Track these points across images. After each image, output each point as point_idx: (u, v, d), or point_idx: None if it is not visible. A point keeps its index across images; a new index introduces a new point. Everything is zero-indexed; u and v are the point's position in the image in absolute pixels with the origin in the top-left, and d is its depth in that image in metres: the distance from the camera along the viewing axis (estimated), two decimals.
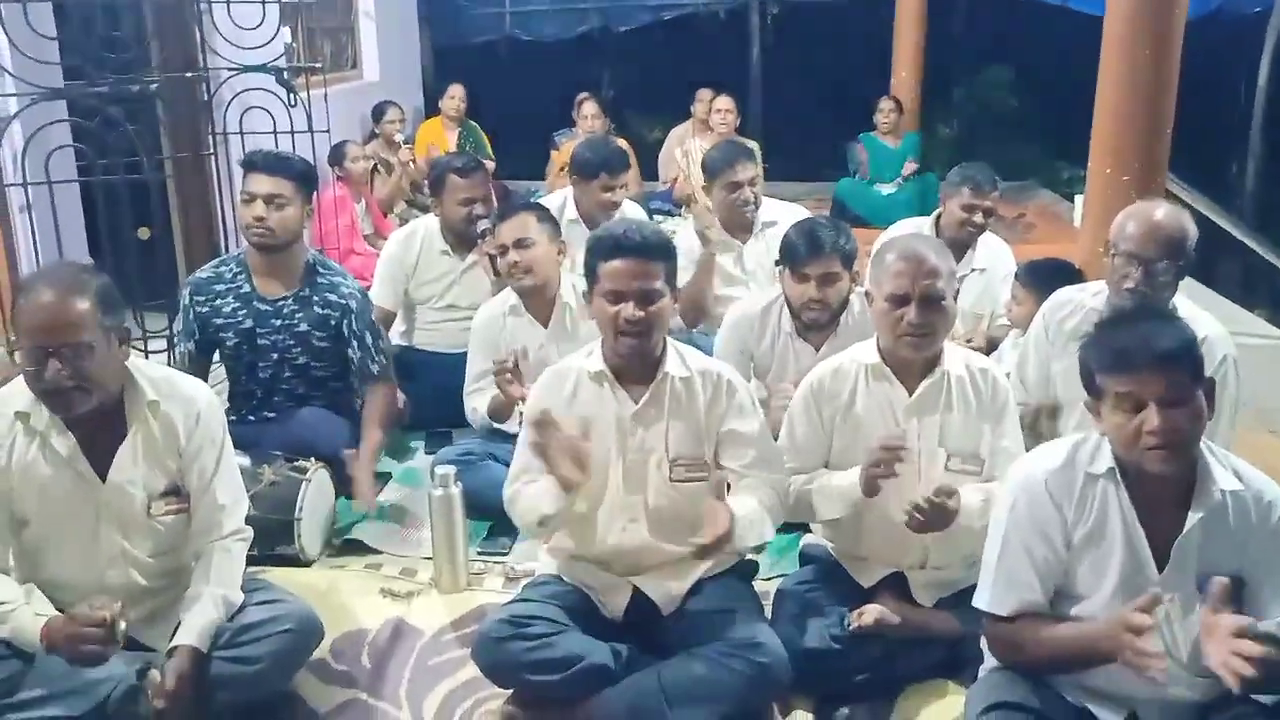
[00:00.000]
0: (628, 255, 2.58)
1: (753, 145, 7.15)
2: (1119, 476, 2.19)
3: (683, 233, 4.66)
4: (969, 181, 4.32)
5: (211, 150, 5.32)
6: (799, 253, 3.42)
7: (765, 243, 4.37)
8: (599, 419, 2.68)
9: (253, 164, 3.53)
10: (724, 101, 7.28)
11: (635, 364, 2.66)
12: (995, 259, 4.44)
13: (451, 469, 3.17)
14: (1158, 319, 2.18)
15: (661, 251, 2.62)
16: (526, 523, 2.68)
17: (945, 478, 2.69)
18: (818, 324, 3.49)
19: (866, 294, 2.81)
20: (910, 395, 2.73)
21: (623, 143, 6.05)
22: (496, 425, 3.65)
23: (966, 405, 2.73)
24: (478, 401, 3.69)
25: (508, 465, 3.44)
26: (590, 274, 2.65)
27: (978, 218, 4.29)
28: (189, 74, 5.17)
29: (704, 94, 8.09)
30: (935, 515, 2.56)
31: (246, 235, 3.55)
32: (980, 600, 2.32)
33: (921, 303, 2.63)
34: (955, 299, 2.71)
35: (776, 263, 3.57)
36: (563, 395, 2.71)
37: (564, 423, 2.56)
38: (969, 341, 4.21)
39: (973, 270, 4.36)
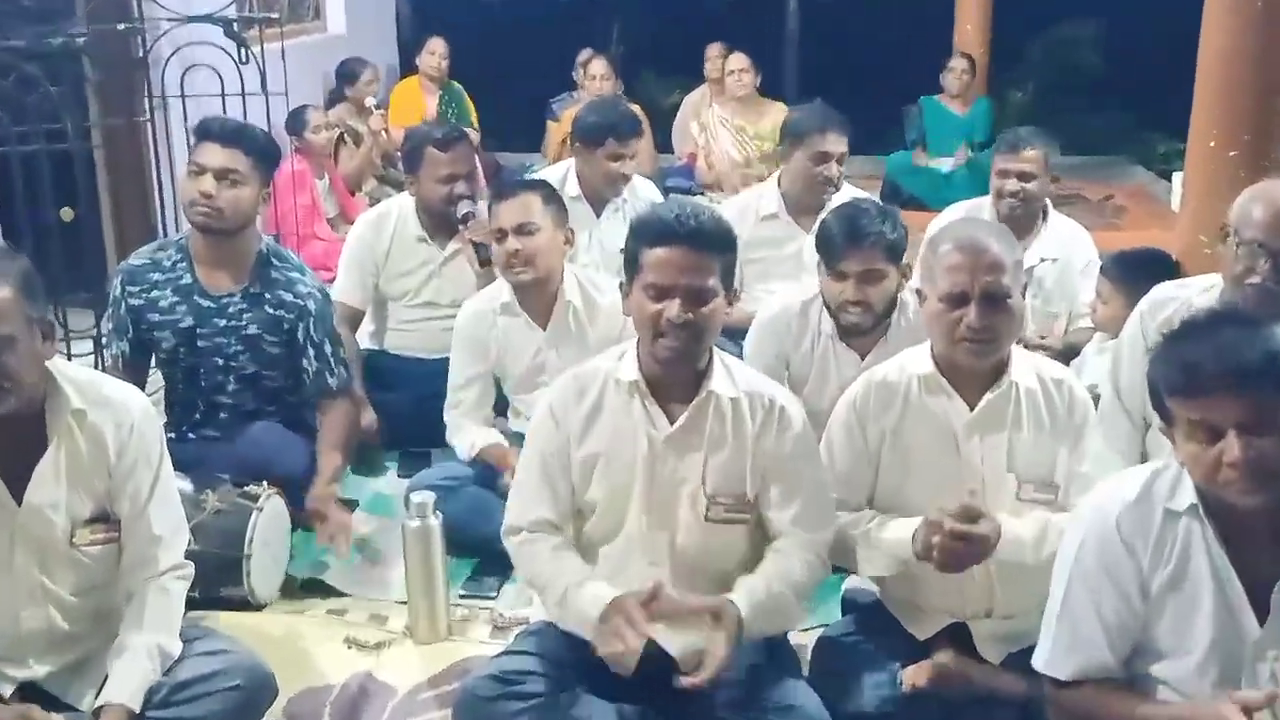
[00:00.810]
0: (679, 243, 2.53)
1: (781, 109, 7.25)
2: (1203, 513, 2.17)
3: (727, 210, 4.65)
4: (1002, 143, 4.39)
5: (147, 116, 5.36)
6: (835, 245, 3.42)
7: None
8: (624, 437, 2.66)
9: (207, 131, 3.55)
10: (737, 60, 7.30)
11: (675, 376, 2.64)
12: (1070, 246, 4.46)
13: (430, 496, 3.18)
14: (1239, 325, 2.10)
15: (720, 243, 2.58)
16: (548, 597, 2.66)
17: (1015, 509, 2.69)
18: (858, 328, 3.50)
19: (918, 292, 2.81)
20: (971, 410, 2.73)
21: (635, 108, 6.07)
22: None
23: (1038, 422, 2.72)
24: (464, 437, 3.70)
25: (496, 492, 3.51)
26: (631, 262, 2.61)
27: (1010, 184, 4.32)
28: (121, 26, 5.21)
29: (714, 50, 8.11)
30: (964, 550, 2.55)
31: (189, 214, 3.56)
32: (1039, 660, 2.31)
33: (983, 301, 2.62)
34: (1024, 295, 2.71)
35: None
36: (582, 407, 2.68)
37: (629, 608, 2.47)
38: (1042, 345, 4.22)
39: (1042, 260, 4.37)
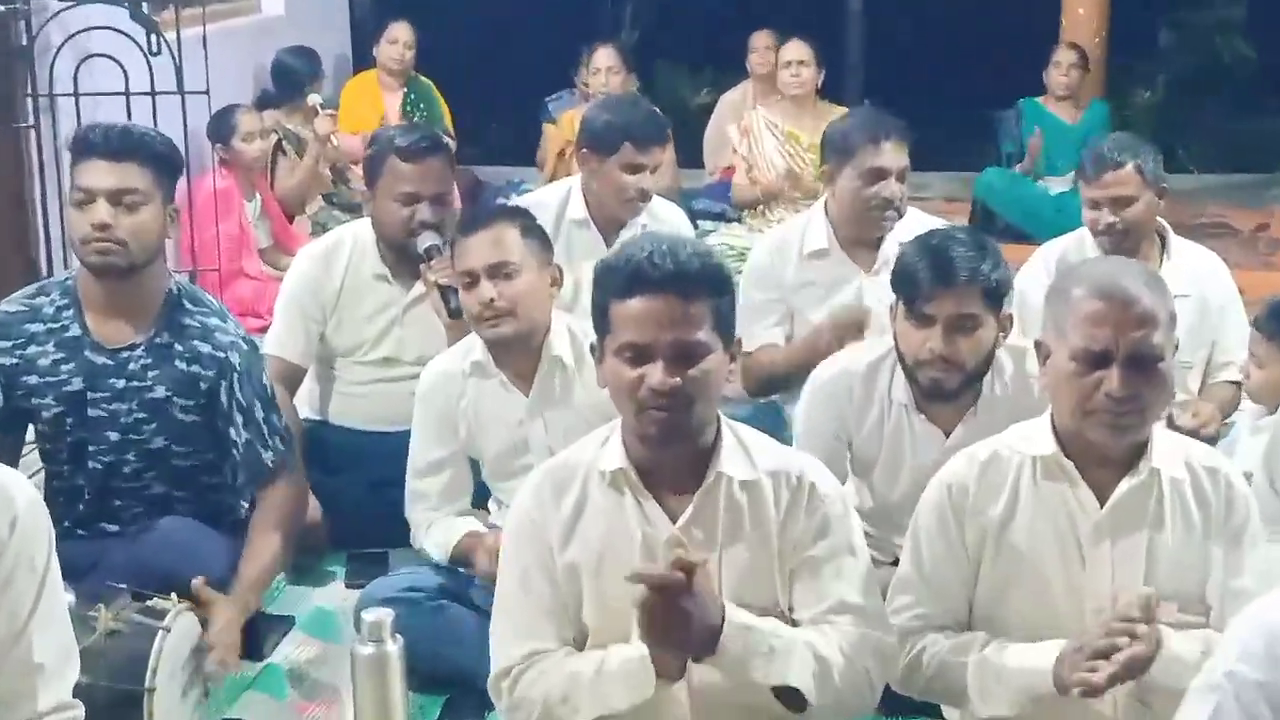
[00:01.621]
0: (656, 290, 2.55)
1: (841, 113, 7.25)
2: None
3: (766, 244, 4.68)
4: (1082, 167, 4.39)
5: (30, 120, 5.38)
6: (919, 281, 3.41)
7: None
8: (616, 544, 2.66)
9: (88, 145, 3.54)
10: (796, 49, 7.32)
11: (672, 459, 2.65)
12: (1203, 278, 4.46)
13: (387, 613, 3.12)
14: None
15: (710, 283, 2.60)
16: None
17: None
18: (943, 391, 3.48)
19: (1038, 345, 2.81)
20: (1102, 504, 2.72)
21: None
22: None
23: (1187, 522, 2.72)
24: (432, 539, 3.69)
25: (474, 608, 3.49)
26: (600, 320, 2.64)
27: (1104, 216, 4.32)
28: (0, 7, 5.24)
29: (762, 40, 8.16)
30: (1125, 667, 2.53)
31: (83, 255, 3.55)
32: None
33: (1130, 364, 2.62)
34: (1174, 355, 2.71)
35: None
36: (563, 509, 2.69)
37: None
38: (1196, 422, 4.20)
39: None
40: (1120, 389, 2.62)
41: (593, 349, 2.70)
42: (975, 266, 3.37)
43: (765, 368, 4.48)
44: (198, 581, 3.41)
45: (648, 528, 2.66)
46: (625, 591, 2.61)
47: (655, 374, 2.54)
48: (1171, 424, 4.08)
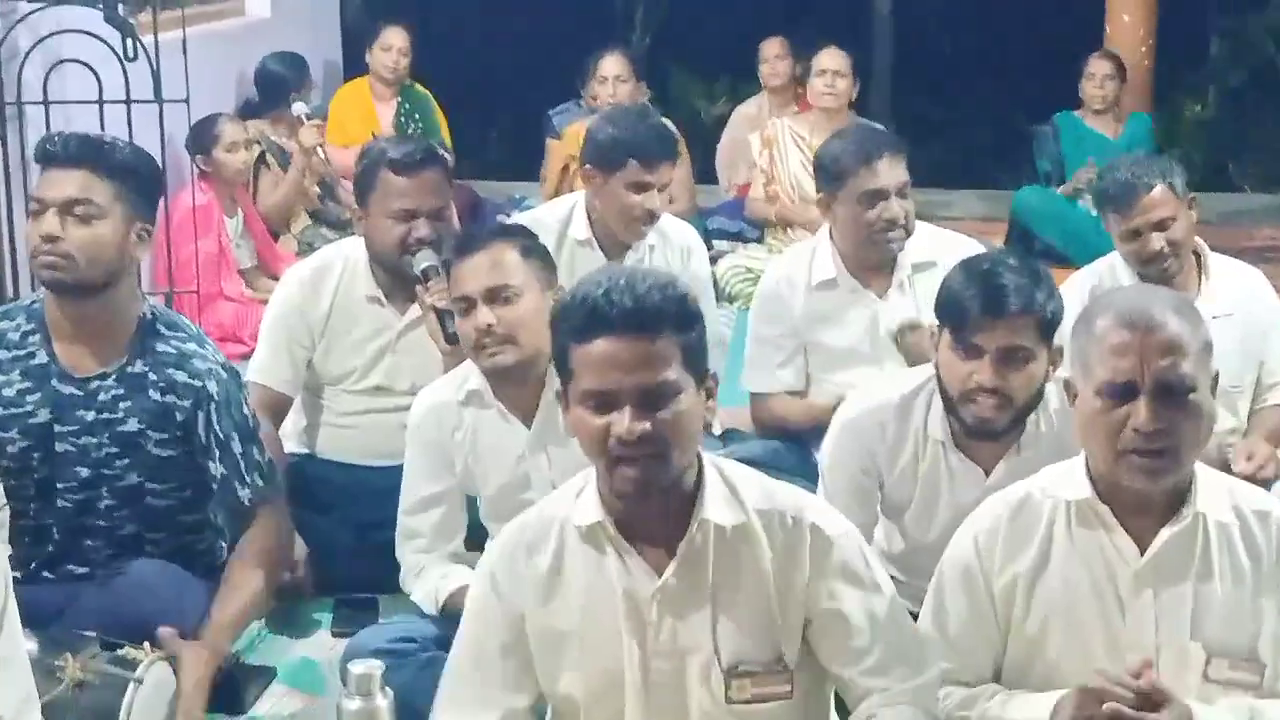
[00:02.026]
0: (616, 331, 2.53)
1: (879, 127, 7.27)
2: None
3: (773, 273, 4.69)
4: (1108, 198, 4.39)
5: None
6: (966, 310, 3.40)
7: (914, 297, 4.40)
8: (598, 605, 2.66)
9: (46, 154, 3.56)
10: (831, 58, 7.32)
11: (650, 510, 2.63)
12: (1246, 297, 4.48)
13: (376, 665, 3.10)
14: None
15: (675, 317, 2.58)
16: None
17: (1203, 692, 2.67)
18: (990, 429, 3.47)
19: (1066, 384, 2.81)
20: (1142, 552, 2.72)
21: (667, 122, 6.09)
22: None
23: (1236, 572, 2.71)
24: (426, 581, 3.68)
25: None
26: (561, 364, 2.63)
27: (1152, 243, 4.33)
28: None
29: (771, 48, 8.19)
30: None
31: (33, 269, 3.59)
32: None
33: (1158, 395, 2.62)
34: (1214, 390, 2.70)
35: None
36: (536, 570, 2.69)
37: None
38: (1252, 466, 4.19)
39: (1214, 318, 4.33)
40: (1149, 422, 2.61)
41: (558, 395, 2.70)
42: (1029, 295, 3.37)
43: (780, 419, 4.52)
44: (165, 631, 3.41)
45: (630, 585, 2.65)
46: (610, 658, 2.65)
47: (622, 422, 2.53)
48: (1226, 469, 4.09)
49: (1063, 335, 4.13)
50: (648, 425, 2.52)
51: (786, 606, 2.66)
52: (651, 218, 4.69)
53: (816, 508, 2.74)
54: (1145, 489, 2.68)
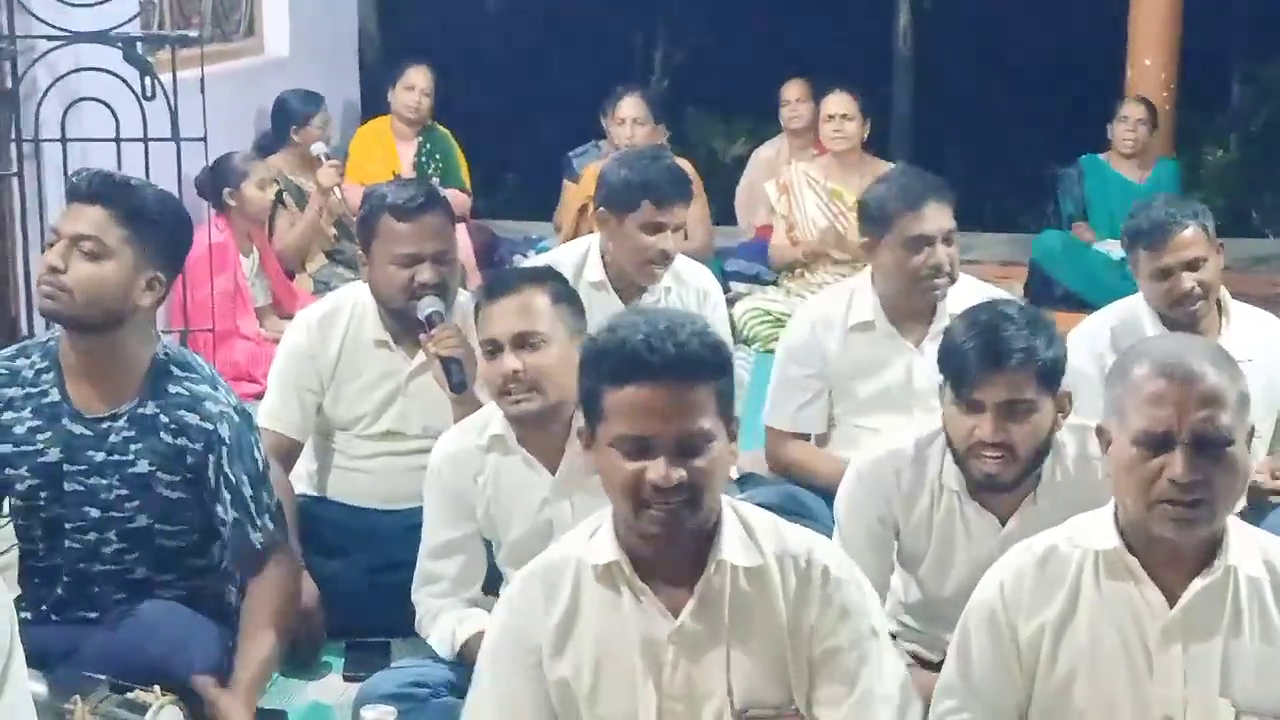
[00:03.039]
0: (655, 379, 2.54)
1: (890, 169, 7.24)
2: None
3: (808, 314, 4.67)
4: (1141, 235, 4.40)
5: (15, 169, 5.42)
6: (966, 365, 3.41)
7: None
8: (613, 647, 2.67)
9: (74, 188, 3.57)
10: (837, 102, 7.35)
11: (669, 551, 2.64)
12: (1266, 343, 4.47)
13: (389, 712, 3.13)
14: None
15: (711, 366, 2.60)
16: None
17: None
18: (996, 483, 3.47)
19: (1099, 431, 2.79)
20: (1171, 605, 2.70)
21: (684, 164, 6.08)
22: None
23: (1268, 627, 2.69)
24: (443, 625, 3.67)
25: None
26: (591, 406, 2.63)
27: (1183, 283, 4.34)
28: None
29: (793, 91, 8.21)
30: None
31: (40, 302, 3.57)
32: None
33: (1195, 447, 2.61)
34: (1249, 442, 2.69)
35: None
36: (552, 617, 2.69)
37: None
38: (1275, 486, 4.24)
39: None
40: (1185, 474, 2.60)
41: (580, 433, 2.70)
42: (1028, 347, 3.37)
43: (798, 465, 4.51)
44: (203, 679, 3.41)
45: (646, 628, 2.66)
46: (625, 701, 2.65)
47: (658, 470, 2.55)
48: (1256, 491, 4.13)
49: (1073, 380, 4.18)
50: (683, 473, 2.54)
51: (798, 648, 2.67)
52: (666, 259, 4.69)
53: (827, 550, 2.75)
54: (1177, 540, 2.67)
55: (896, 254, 4.35)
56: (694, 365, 2.56)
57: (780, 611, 2.66)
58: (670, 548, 2.63)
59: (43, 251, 3.66)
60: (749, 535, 2.68)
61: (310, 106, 7.62)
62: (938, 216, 4.35)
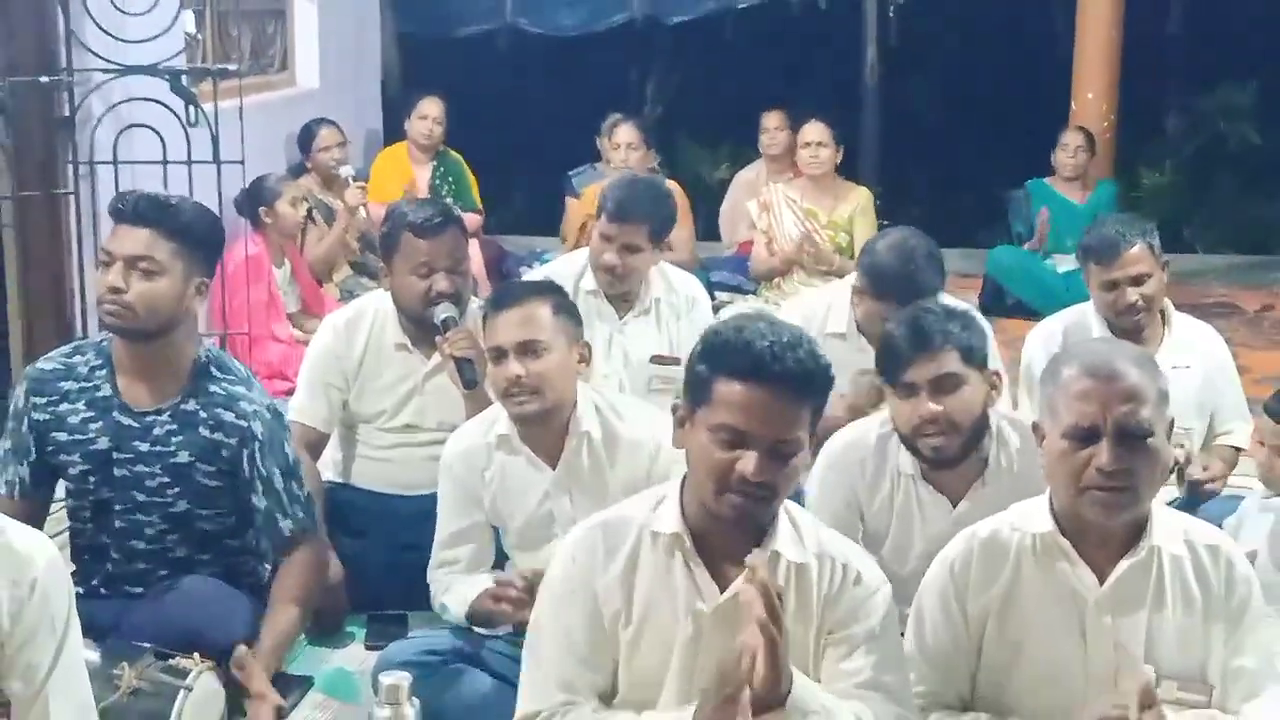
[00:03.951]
0: (770, 383, 2.52)
1: (865, 194, 7.27)
2: None
3: (787, 314, 4.63)
4: (1092, 251, 4.41)
5: (71, 188, 5.43)
6: (898, 353, 3.47)
7: None
8: (660, 609, 2.65)
9: (118, 210, 3.57)
10: (814, 131, 7.35)
11: (736, 536, 2.62)
12: (1204, 350, 4.51)
13: (404, 677, 3.09)
14: None
15: (820, 386, 2.59)
16: None
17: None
18: (946, 458, 3.49)
19: (1035, 427, 2.81)
20: (1101, 582, 2.71)
21: (674, 185, 6.09)
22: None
23: (1187, 601, 2.71)
24: (453, 596, 3.67)
25: (490, 671, 3.47)
26: (698, 388, 2.60)
27: (1128, 296, 4.37)
28: (44, 78, 5.29)
29: (772, 120, 8.21)
30: None
31: (101, 316, 3.59)
32: None
33: (1118, 439, 2.63)
34: (1169, 435, 2.71)
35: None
36: (613, 569, 2.67)
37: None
38: (1207, 475, 4.25)
39: (1174, 368, 4.36)
40: (1110, 463, 2.62)
41: (675, 409, 2.67)
42: (945, 328, 3.44)
43: None
44: (242, 650, 3.42)
45: (696, 598, 2.64)
46: (659, 660, 2.64)
47: (750, 464, 2.52)
48: (1181, 476, 4.20)
49: (1028, 377, 4.19)
50: (770, 475, 2.53)
51: (820, 636, 2.66)
52: (609, 270, 4.69)
53: (863, 559, 2.72)
54: (1105, 523, 2.68)
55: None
56: (806, 381, 2.55)
57: (813, 607, 2.64)
58: (736, 531, 2.60)
59: (96, 267, 3.67)
60: (798, 532, 2.67)
61: (316, 129, 7.61)
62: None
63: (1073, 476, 2.66)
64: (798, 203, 7.19)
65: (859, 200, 7.20)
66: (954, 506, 3.52)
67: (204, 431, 3.61)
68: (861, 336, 4.42)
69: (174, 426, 3.60)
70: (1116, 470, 2.62)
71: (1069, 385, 2.68)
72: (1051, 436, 2.70)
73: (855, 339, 4.44)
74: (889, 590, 2.71)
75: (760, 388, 2.52)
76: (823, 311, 4.55)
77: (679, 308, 4.88)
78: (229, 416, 3.62)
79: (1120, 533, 2.70)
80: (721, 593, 2.62)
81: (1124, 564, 2.70)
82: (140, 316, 3.50)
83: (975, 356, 3.46)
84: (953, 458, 3.48)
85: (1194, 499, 4.23)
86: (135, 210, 3.53)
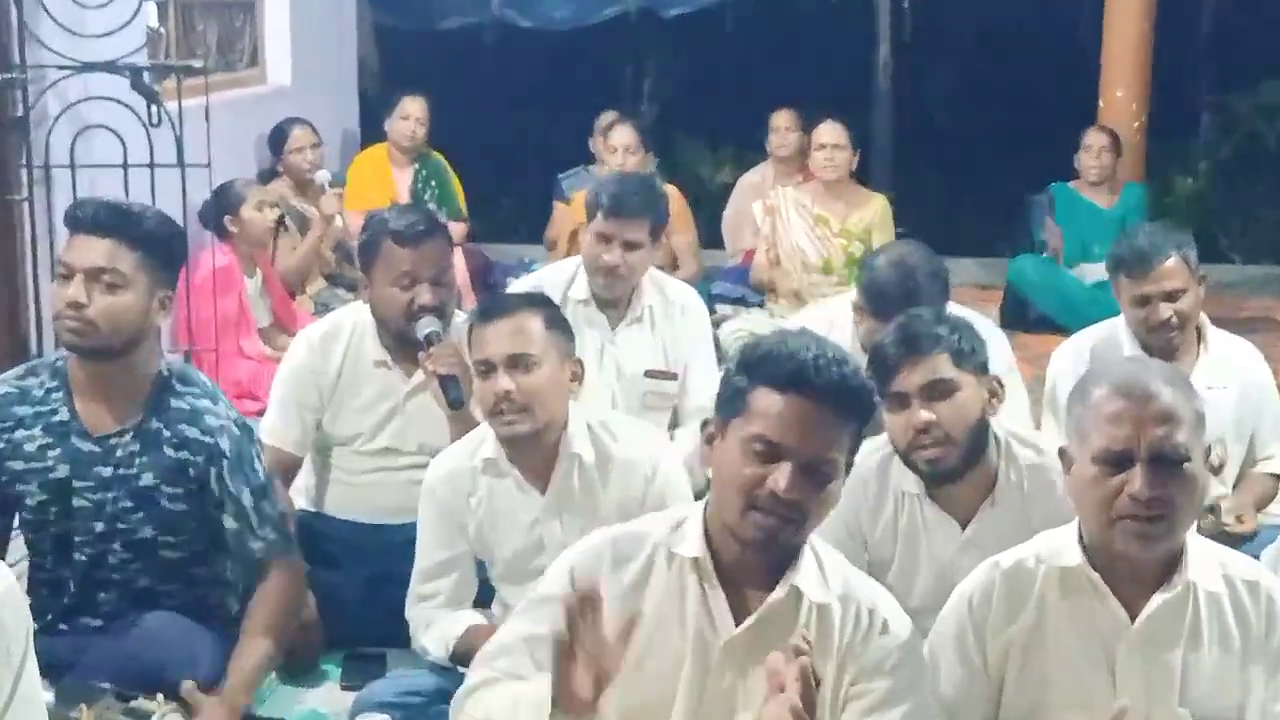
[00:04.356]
0: (811, 396, 2.54)
1: (883, 201, 7.26)
2: None
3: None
4: (1123, 262, 4.40)
5: (26, 193, 5.41)
6: (887, 362, 3.47)
7: None
8: (669, 633, 2.65)
9: (77, 220, 3.56)
10: (830, 132, 7.35)
11: (758, 563, 2.62)
12: (1242, 368, 4.50)
13: (384, 719, 3.14)
14: None
15: (863, 406, 2.61)
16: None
17: None
18: (944, 470, 3.48)
19: (1061, 452, 2.81)
20: (1133, 619, 2.71)
21: (672, 190, 6.09)
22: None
23: (1224, 640, 2.70)
24: (433, 635, 3.67)
25: None
26: (734, 399, 2.60)
27: (1160, 312, 4.36)
28: None
29: (781, 120, 8.22)
30: None
31: (56, 330, 3.59)
32: None
33: (1153, 465, 2.62)
34: (1206, 460, 2.71)
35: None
36: (624, 579, 2.67)
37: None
38: (1245, 528, 4.20)
39: (1210, 389, 4.36)
40: (1144, 489, 2.61)
41: (705, 424, 2.68)
42: (934, 332, 3.45)
43: None
44: (188, 684, 3.39)
45: (708, 628, 2.64)
46: (661, 690, 2.63)
47: (783, 479, 2.52)
48: (1218, 528, 4.12)
49: (1053, 395, 4.17)
50: (802, 494, 2.53)
51: (838, 693, 2.64)
52: (611, 273, 4.72)
53: (890, 605, 2.71)
54: (1138, 555, 2.68)
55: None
56: (849, 398, 2.56)
57: (833, 651, 2.63)
58: (759, 557, 2.60)
59: (53, 278, 3.66)
60: (821, 571, 2.66)
61: (289, 129, 7.60)
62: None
63: (1104, 505, 2.66)
64: (808, 208, 7.18)
65: (877, 208, 7.19)
66: (963, 528, 3.52)
67: (168, 451, 3.60)
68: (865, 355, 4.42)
69: (137, 447, 3.60)
70: (1152, 498, 2.61)
71: (1099, 406, 2.68)
72: (1080, 462, 2.70)
73: (859, 355, 4.42)
74: (919, 639, 2.70)
75: (801, 398, 2.53)
76: (824, 329, 4.52)
77: (672, 316, 4.90)
78: (194, 433, 3.61)
79: (1153, 567, 2.70)
80: (737, 624, 2.62)
81: (1157, 599, 2.70)
82: (103, 333, 3.49)
83: (969, 360, 3.47)
84: (952, 470, 3.48)
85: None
86: (95, 219, 3.51)
